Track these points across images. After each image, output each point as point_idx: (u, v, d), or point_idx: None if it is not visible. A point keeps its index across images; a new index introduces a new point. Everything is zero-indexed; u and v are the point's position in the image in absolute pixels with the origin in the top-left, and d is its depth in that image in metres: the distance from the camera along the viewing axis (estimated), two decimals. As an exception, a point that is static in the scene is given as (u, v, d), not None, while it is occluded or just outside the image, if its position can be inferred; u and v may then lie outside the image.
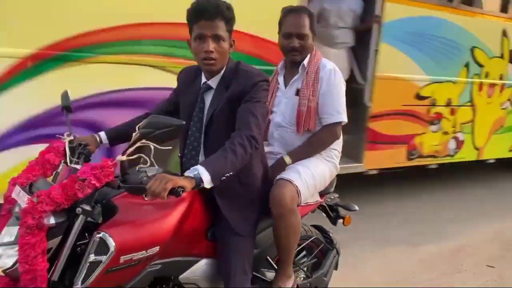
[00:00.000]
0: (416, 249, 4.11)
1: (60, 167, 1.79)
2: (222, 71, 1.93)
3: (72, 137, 1.84)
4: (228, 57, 1.93)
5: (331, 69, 2.34)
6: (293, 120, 2.36)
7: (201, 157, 1.97)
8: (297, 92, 2.37)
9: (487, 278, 3.60)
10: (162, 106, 2.17)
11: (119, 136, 2.09)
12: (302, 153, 2.32)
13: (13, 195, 1.62)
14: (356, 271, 3.55)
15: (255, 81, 1.85)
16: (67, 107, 1.92)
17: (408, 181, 6.55)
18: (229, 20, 1.84)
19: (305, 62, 2.35)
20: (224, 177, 1.68)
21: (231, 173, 1.70)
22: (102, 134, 2.05)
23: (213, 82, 1.94)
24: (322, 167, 2.32)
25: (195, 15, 1.82)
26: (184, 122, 1.61)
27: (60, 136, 1.85)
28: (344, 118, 2.34)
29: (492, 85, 5.91)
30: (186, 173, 1.61)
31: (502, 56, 5.87)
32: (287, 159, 2.28)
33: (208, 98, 1.96)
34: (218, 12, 1.79)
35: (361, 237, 4.25)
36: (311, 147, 2.34)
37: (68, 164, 1.76)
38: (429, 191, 6.08)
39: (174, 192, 1.50)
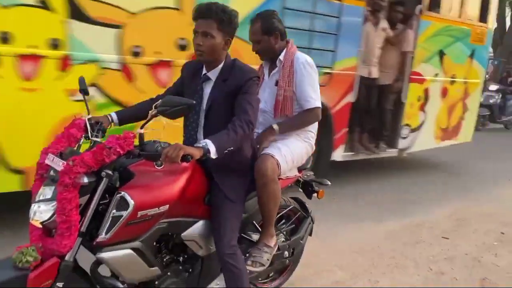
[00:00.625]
0: (381, 224, 4.58)
1: (81, 140, 2.13)
2: (221, 66, 2.30)
3: (90, 116, 2.19)
4: (225, 54, 2.30)
5: (304, 61, 2.71)
6: (273, 107, 2.75)
7: (199, 136, 2.33)
8: (276, 83, 2.76)
9: (442, 248, 4.10)
10: (168, 93, 2.51)
11: (128, 117, 2.45)
12: (288, 125, 2.70)
13: (47, 162, 1.95)
14: (328, 243, 3.99)
15: (248, 77, 2.24)
16: (84, 90, 2.26)
17: (377, 165, 7.09)
18: (222, 21, 2.18)
19: (281, 57, 2.73)
20: (226, 151, 2.05)
21: (232, 148, 2.07)
22: (113, 114, 2.38)
23: (212, 74, 2.31)
24: (300, 145, 2.71)
25: (194, 15, 2.22)
26: (194, 102, 1.99)
27: (81, 115, 2.19)
28: (318, 103, 2.72)
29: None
30: (196, 145, 1.98)
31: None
32: (275, 127, 2.66)
33: (207, 87, 2.33)
34: (210, 13, 2.16)
35: (333, 215, 4.70)
36: (296, 121, 2.71)
37: (90, 137, 2.10)
38: (396, 175, 6.62)
39: (184, 158, 1.87)
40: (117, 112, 2.42)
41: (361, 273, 3.50)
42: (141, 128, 1.95)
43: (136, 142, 1.98)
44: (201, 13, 2.17)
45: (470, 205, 5.43)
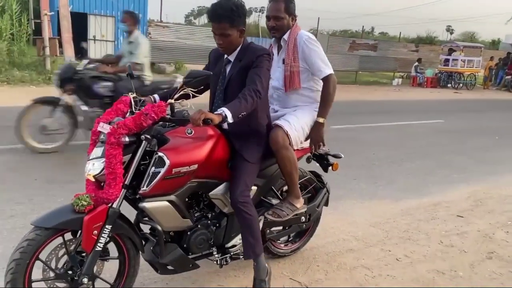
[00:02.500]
0: (399, 202, 4.83)
1: (127, 114, 2.51)
2: (238, 49, 2.66)
3: (135, 95, 2.56)
4: (242, 39, 2.64)
5: (306, 38, 2.98)
6: (283, 83, 3.07)
7: None
8: (283, 61, 3.06)
9: (455, 225, 4.31)
10: None
11: (166, 97, 2.80)
12: (325, 108, 2.97)
13: (98, 129, 2.34)
14: (346, 217, 4.29)
15: (259, 54, 2.58)
16: (131, 74, 2.64)
17: (400, 146, 7.30)
18: (234, 20, 2.52)
19: (285, 36, 3.02)
20: (241, 115, 2.38)
21: (244, 113, 2.40)
22: (156, 95, 2.75)
23: (232, 57, 2.70)
24: (307, 115, 3.00)
25: (208, 16, 2.59)
26: (211, 73, 2.39)
27: (127, 94, 2.56)
28: (330, 70, 2.97)
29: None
30: (215, 112, 2.33)
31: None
32: (321, 120, 2.97)
33: (228, 68, 2.72)
34: (220, 18, 2.51)
35: (352, 193, 5.01)
36: (328, 99, 2.98)
37: (134, 111, 2.48)
38: (418, 158, 6.82)
39: (205, 121, 2.22)
40: (158, 93, 2.79)
41: (375, 243, 3.78)
42: (172, 98, 2.33)
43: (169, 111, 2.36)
44: (213, 19, 2.53)
45: (489, 187, 5.60)
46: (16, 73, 12.05)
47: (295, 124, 2.89)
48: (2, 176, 4.69)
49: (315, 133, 2.98)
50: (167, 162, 2.30)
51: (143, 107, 2.51)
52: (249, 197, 2.64)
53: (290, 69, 2.99)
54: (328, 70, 2.96)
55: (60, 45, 14.27)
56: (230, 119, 2.32)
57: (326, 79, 2.97)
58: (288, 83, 3.02)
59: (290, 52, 3.00)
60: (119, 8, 16.79)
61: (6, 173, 4.80)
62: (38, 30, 15.40)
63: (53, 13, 14.68)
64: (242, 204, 2.56)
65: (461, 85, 22.18)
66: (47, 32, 12.79)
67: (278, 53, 3.14)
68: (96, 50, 16.59)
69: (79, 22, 15.73)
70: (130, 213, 2.51)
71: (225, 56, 2.71)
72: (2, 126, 7.00)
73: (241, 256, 2.80)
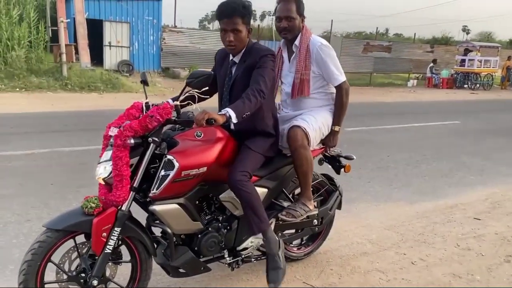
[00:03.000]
0: (414, 205, 4.76)
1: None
2: (243, 50, 2.65)
3: (148, 100, 2.57)
4: (248, 40, 2.64)
5: (320, 44, 2.96)
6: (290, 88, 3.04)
7: None
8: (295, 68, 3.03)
9: (472, 227, 4.23)
10: None
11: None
12: (340, 115, 3.01)
13: (109, 133, 2.35)
14: (361, 219, 4.24)
15: (262, 54, 2.58)
16: (145, 81, 2.65)
17: (416, 148, 7.20)
18: (245, 16, 2.54)
19: (297, 42, 2.99)
20: (245, 115, 2.37)
21: (248, 113, 2.39)
22: (169, 100, 2.74)
23: (237, 58, 2.70)
24: (325, 115, 2.99)
25: (218, 15, 2.58)
26: (212, 73, 2.39)
27: (139, 100, 2.58)
28: (344, 77, 2.98)
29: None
30: (219, 113, 2.32)
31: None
32: (336, 128, 3.00)
33: (233, 69, 2.72)
34: (234, 12, 2.51)
35: (367, 196, 4.96)
36: (342, 107, 3.00)
37: None
38: (433, 160, 6.72)
39: (209, 122, 2.21)
40: (172, 98, 2.79)
41: (390, 246, 3.73)
42: (177, 100, 2.35)
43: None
44: (226, 13, 2.53)
45: (507, 189, 5.48)
46: (34, 79, 12.26)
47: (313, 123, 2.87)
48: (19, 181, 4.76)
49: (331, 140, 3.04)
50: (176, 164, 2.30)
51: None
52: (246, 177, 2.55)
53: (301, 76, 2.96)
54: (341, 77, 2.96)
55: (76, 52, 14.50)
56: (234, 119, 2.31)
57: (339, 87, 2.97)
58: (297, 91, 2.99)
59: (302, 58, 2.96)
60: (134, 15, 17.00)
61: (23, 178, 4.87)
62: (55, 37, 15.65)
63: (69, 20, 14.92)
64: (240, 183, 2.49)
65: (477, 85, 21.88)
66: (63, 39, 13.00)
67: (288, 57, 3.11)
68: (112, 56, 16.78)
69: (95, 29, 15.94)
70: (143, 216, 2.52)
71: (231, 57, 2.71)
72: (21, 132, 7.14)
73: (253, 259, 2.77)
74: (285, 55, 3.13)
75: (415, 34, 28.33)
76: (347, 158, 3.25)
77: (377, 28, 26.27)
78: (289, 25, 2.95)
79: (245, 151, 2.63)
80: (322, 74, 2.97)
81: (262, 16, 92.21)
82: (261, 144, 2.69)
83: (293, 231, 3.19)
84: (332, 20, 22.20)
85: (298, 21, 2.96)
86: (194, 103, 2.39)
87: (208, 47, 17.87)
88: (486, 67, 22.26)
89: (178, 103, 2.36)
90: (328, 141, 3.06)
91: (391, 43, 23.80)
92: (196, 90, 2.35)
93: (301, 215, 2.88)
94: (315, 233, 3.32)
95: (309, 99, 3.02)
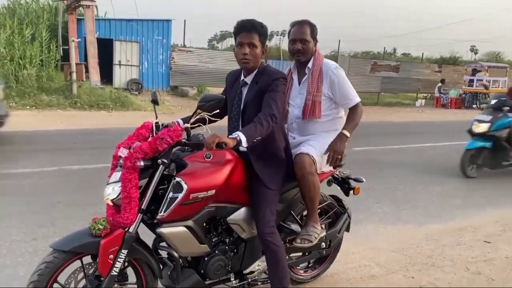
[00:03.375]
0: (422, 227, 4.71)
1: (149, 139, 2.53)
2: (255, 71, 2.67)
3: (158, 120, 2.59)
4: (260, 61, 2.66)
5: (333, 67, 2.99)
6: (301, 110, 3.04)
7: None
8: (307, 90, 3.03)
9: (482, 251, 4.16)
10: None
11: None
12: (351, 123, 2.96)
13: (119, 153, 2.37)
14: (368, 240, 4.20)
15: (275, 77, 2.58)
16: (155, 100, 2.68)
17: (424, 168, 7.15)
18: (262, 34, 2.59)
19: (310, 64, 3.01)
20: (255, 140, 2.37)
21: (259, 138, 2.39)
22: (179, 120, 2.77)
23: (248, 79, 2.70)
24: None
25: (237, 29, 2.61)
26: (224, 97, 2.40)
27: (150, 120, 2.60)
28: (359, 99, 3.00)
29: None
30: (230, 136, 2.33)
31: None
32: (346, 133, 2.92)
33: (245, 91, 2.72)
34: (253, 27, 2.57)
35: (375, 217, 4.92)
36: (355, 119, 2.97)
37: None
38: (442, 181, 6.66)
39: (219, 145, 2.21)
40: (182, 118, 2.81)
41: (398, 269, 3.68)
42: (187, 122, 2.36)
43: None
44: (245, 27, 2.58)
45: (518, 212, 5.40)
46: (44, 97, 12.42)
47: (321, 150, 2.86)
48: (27, 199, 4.79)
49: (338, 143, 2.83)
50: (185, 187, 2.30)
51: None
52: (274, 227, 2.62)
53: (313, 98, 2.97)
54: (357, 99, 2.99)
55: (87, 70, 14.71)
56: (244, 143, 2.31)
57: (355, 107, 2.99)
58: (308, 112, 2.99)
59: (314, 81, 2.98)
60: (144, 34, 17.25)
61: (31, 196, 4.90)
62: (66, 56, 15.93)
63: (80, 39, 15.17)
64: (269, 236, 2.55)
65: (486, 106, 21.77)
66: (74, 57, 13.21)
67: (298, 79, 3.13)
68: (121, 74, 16.99)
69: (105, 48, 16.16)
70: (150, 237, 2.52)
71: (242, 77, 2.73)
72: (30, 150, 7.20)
73: (259, 283, 2.75)
74: (295, 77, 3.15)
75: (422, 54, 28.47)
76: (356, 180, 3.24)
77: (384, 48, 26.43)
78: (303, 47, 2.98)
79: (265, 193, 2.61)
80: (335, 97, 2.98)
81: (270, 36, 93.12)
82: (276, 178, 2.68)
83: (300, 253, 3.16)
84: (339, 40, 22.37)
85: (311, 44, 3.00)
86: (205, 125, 2.41)
87: (216, 66, 18.06)
88: (495, 87, 22.21)
89: (188, 125, 2.38)
90: (334, 145, 2.85)
91: (398, 63, 23.87)
92: (207, 113, 2.36)
93: (316, 238, 2.86)
94: (322, 256, 3.29)
95: (317, 123, 3.02)
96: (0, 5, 17.81)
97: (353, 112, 3.01)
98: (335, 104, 3.03)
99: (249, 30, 2.56)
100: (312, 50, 3.01)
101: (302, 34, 2.98)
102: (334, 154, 2.81)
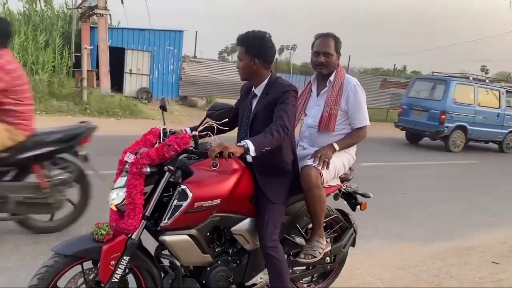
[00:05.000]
0: (429, 245, 4.64)
1: (156, 145, 2.52)
2: (265, 82, 2.66)
3: (165, 127, 2.57)
4: (266, 72, 2.65)
5: (355, 84, 2.99)
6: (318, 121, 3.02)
7: None
8: (325, 102, 3.01)
9: (490, 271, 4.08)
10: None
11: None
12: (346, 143, 2.97)
13: (125, 159, 2.35)
14: (372, 258, 4.14)
15: (285, 90, 2.56)
16: (163, 107, 2.66)
17: (432, 186, 7.06)
18: (248, 46, 2.57)
19: (331, 78, 3.01)
20: (264, 150, 2.34)
21: (268, 148, 2.36)
22: (187, 129, 2.75)
23: (258, 91, 2.69)
24: (340, 156, 2.95)
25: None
26: (233, 106, 2.37)
27: (157, 127, 2.59)
28: (368, 122, 3.00)
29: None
30: (238, 144, 2.30)
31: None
32: (336, 146, 2.92)
33: (254, 103, 2.71)
34: (241, 41, 2.59)
35: (381, 233, 4.85)
36: (354, 138, 2.99)
37: (161, 142, 2.49)
38: (449, 200, 6.57)
39: (228, 156, 2.17)
40: (191, 127, 2.79)
41: (403, 287, 3.61)
42: (195, 130, 2.33)
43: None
44: (237, 41, 2.62)
45: (527, 233, 5.30)
46: (55, 103, 12.51)
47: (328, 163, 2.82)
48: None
49: (325, 149, 2.84)
50: (190, 195, 2.27)
51: None
52: (277, 240, 2.58)
53: (330, 111, 2.96)
54: (366, 121, 2.98)
55: (98, 77, 14.83)
56: (252, 153, 2.28)
57: (361, 129, 2.98)
58: (324, 124, 2.97)
59: (334, 94, 2.97)
60: (156, 44, 17.40)
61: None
62: (78, 63, 16.06)
63: (92, 47, 15.33)
64: (271, 249, 2.52)
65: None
66: (85, 65, 13.32)
67: (317, 91, 3.11)
68: (132, 83, 17.11)
69: (117, 56, 16.31)
70: (153, 244, 2.49)
71: (253, 89, 2.72)
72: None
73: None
74: (314, 88, 3.15)
75: (432, 72, 28.33)
76: (364, 195, 3.20)
77: (394, 64, 26.36)
78: (326, 60, 2.98)
79: (268, 207, 2.58)
80: (349, 112, 2.97)
81: (281, 50, 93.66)
82: (281, 192, 2.64)
83: (303, 267, 3.11)
84: (349, 56, 22.39)
85: (334, 58, 2.99)
86: (213, 134, 2.39)
87: (226, 77, 18.13)
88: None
89: (196, 133, 2.36)
90: (322, 149, 2.86)
91: (408, 80, 23.82)
92: (215, 122, 2.34)
93: (320, 253, 2.81)
94: (327, 270, 3.23)
95: (329, 136, 2.98)
96: (16, 11, 18.09)
97: (355, 132, 3.00)
98: (349, 119, 3.02)
99: (238, 44, 2.61)
100: (334, 64, 3.01)
101: (326, 47, 2.98)
102: (322, 156, 2.79)
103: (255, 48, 2.59)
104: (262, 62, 2.61)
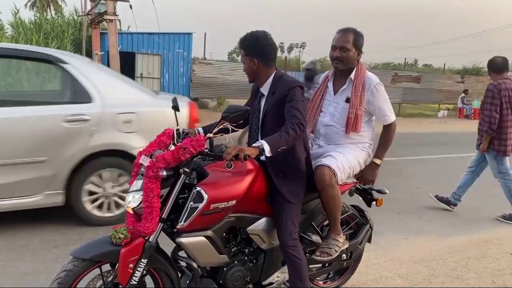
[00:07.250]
0: (446, 239, 4.60)
1: (170, 146, 2.54)
2: (270, 81, 2.67)
3: (179, 127, 2.60)
4: (269, 71, 2.66)
5: (377, 82, 2.95)
6: (343, 122, 2.98)
7: None
8: (347, 100, 2.98)
9: (509, 264, 4.04)
10: None
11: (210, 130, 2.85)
12: (383, 150, 3.03)
13: (140, 161, 2.37)
14: (390, 252, 4.13)
15: (291, 86, 2.56)
16: (176, 107, 2.69)
17: (447, 179, 6.98)
18: (246, 48, 2.62)
19: (352, 75, 2.96)
20: (280, 150, 2.34)
21: (284, 147, 2.35)
22: (200, 129, 2.80)
23: (264, 90, 2.70)
24: (356, 154, 2.94)
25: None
26: (249, 108, 2.36)
27: (171, 127, 2.61)
28: (394, 117, 3.01)
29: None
30: (253, 145, 2.31)
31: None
32: (378, 161, 3.01)
33: (262, 102, 2.72)
34: (240, 44, 2.66)
35: (397, 228, 4.82)
36: (387, 143, 3.03)
37: (175, 144, 2.51)
38: (468, 190, 6.49)
39: (244, 158, 2.18)
40: (203, 127, 2.84)
41: (420, 281, 3.59)
42: (211, 132, 2.34)
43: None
44: (238, 45, 2.67)
45: (546, 224, 5.23)
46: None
47: (343, 162, 2.82)
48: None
49: (370, 173, 3.04)
50: (205, 197, 2.29)
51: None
52: (297, 239, 2.60)
53: (356, 111, 2.91)
54: (393, 116, 2.99)
55: (109, 83, 14.92)
56: (267, 153, 2.28)
57: (390, 125, 2.99)
58: (351, 125, 2.93)
59: (357, 93, 2.92)
60: (165, 47, 17.50)
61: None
62: (89, 69, 16.18)
63: (103, 53, 15.47)
64: (292, 248, 2.53)
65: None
66: (97, 70, 13.40)
67: (334, 88, 3.08)
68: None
69: (127, 61, 16.42)
70: (170, 245, 2.52)
71: (260, 89, 2.73)
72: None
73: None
74: (330, 84, 3.11)
75: (444, 64, 28.08)
76: (379, 192, 3.18)
77: (405, 59, 26.18)
78: (342, 55, 2.93)
79: (286, 206, 2.59)
80: (373, 111, 2.97)
81: (290, 48, 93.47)
82: (297, 192, 2.65)
83: (320, 265, 3.11)
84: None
85: (352, 53, 2.93)
86: (227, 134, 2.40)
87: (236, 78, 18.14)
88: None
89: (211, 135, 2.36)
90: (366, 174, 3.02)
91: (420, 74, 23.62)
92: (230, 124, 2.35)
93: (336, 251, 2.82)
94: (343, 267, 3.23)
95: (346, 136, 2.97)
96: (27, 20, 18.32)
97: (386, 132, 3.03)
98: (368, 116, 3.01)
99: (239, 48, 2.67)
100: (352, 60, 2.95)
101: (343, 42, 2.93)
102: (367, 183, 3.07)
103: (252, 48, 2.61)
104: (261, 61, 2.62)
